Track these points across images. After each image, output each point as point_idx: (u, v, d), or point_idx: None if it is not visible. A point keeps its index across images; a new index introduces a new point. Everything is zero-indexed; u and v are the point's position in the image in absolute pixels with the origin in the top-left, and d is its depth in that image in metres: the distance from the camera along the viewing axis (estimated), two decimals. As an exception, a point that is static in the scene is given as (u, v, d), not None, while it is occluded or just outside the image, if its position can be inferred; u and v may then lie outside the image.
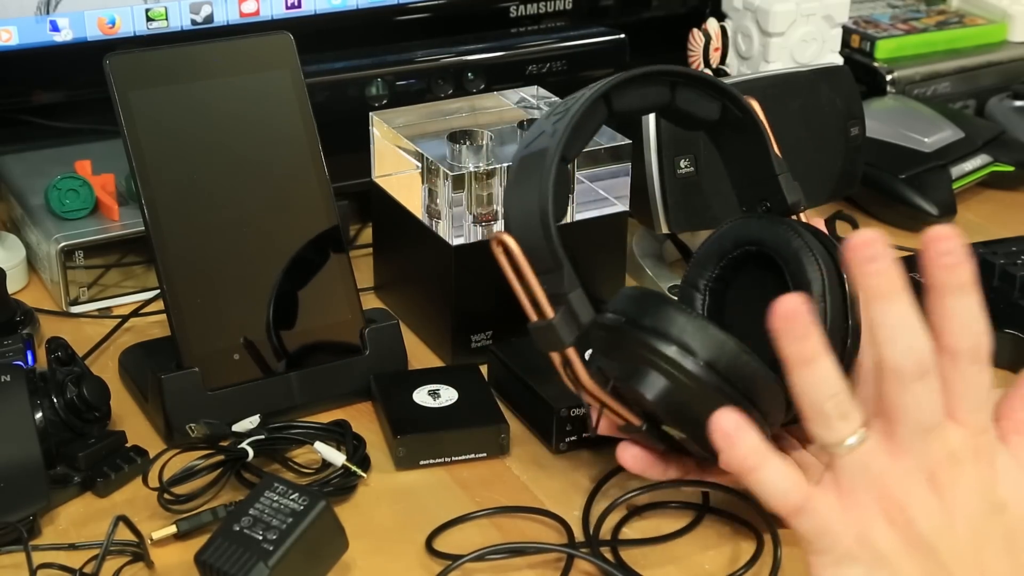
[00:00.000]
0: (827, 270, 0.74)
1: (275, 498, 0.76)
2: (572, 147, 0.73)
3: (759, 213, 0.81)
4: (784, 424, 0.76)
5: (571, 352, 0.71)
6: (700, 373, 0.70)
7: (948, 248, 0.62)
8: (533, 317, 0.71)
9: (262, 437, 0.86)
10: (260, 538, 0.74)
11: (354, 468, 0.84)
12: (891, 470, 0.64)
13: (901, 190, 1.19)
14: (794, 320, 0.62)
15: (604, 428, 0.78)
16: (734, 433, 0.64)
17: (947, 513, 0.64)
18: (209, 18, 1.14)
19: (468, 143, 0.97)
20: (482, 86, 1.15)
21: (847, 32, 1.34)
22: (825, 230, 0.81)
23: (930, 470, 0.64)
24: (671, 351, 0.70)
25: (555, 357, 0.72)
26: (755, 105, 0.80)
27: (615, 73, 0.76)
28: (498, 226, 0.95)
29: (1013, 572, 0.64)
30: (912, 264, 1.08)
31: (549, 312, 0.70)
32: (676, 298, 0.83)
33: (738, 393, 0.71)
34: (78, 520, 0.82)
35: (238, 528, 0.75)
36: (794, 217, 0.80)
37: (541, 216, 0.70)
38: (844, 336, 0.74)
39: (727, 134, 0.80)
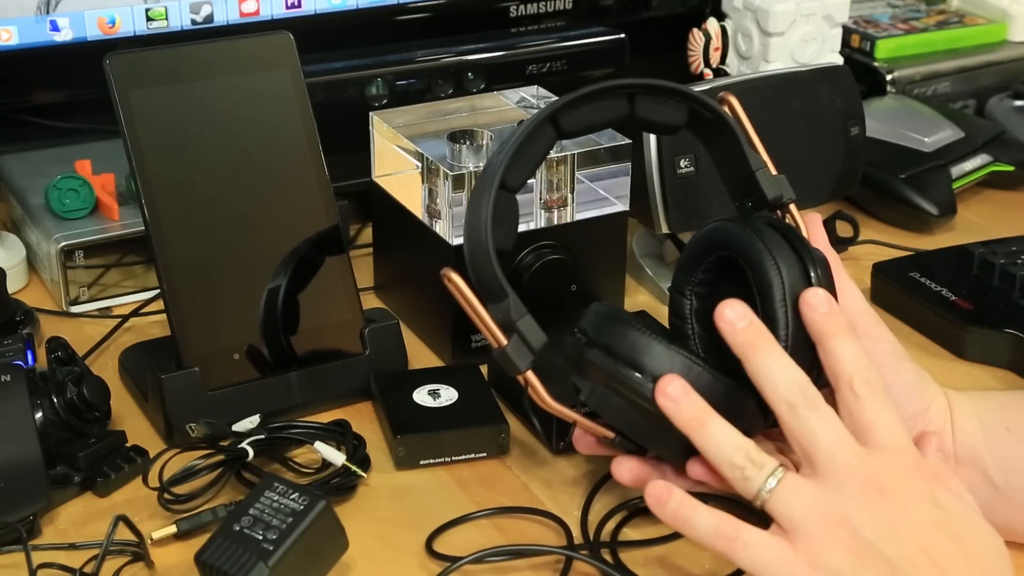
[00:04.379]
0: (787, 274, 0.72)
1: (275, 498, 0.76)
2: (515, 174, 0.73)
3: (739, 214, 0.79)
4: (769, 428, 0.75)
5: (530, 375, 0.72)
6: (647, 391, 0.70)
7: (821, 301, 0.70)
8: (494, 344, 0.72)
9: (262, 437, 0.86)
10: (260, 538, 0.74)
11: (354, 468, 0.84)
12: (822, 494, 0.67)
13: (901, 190, 1.19)
14: (675, 396, 0.69)
15: (587, 447, 0.79)
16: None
17: (887, 519, 0.66)
18: (209, 18, 1.14)
19: (468, 143, 0.97)
20: (482, 86, 1.15)
21: (847, 32, 1.34)
22: (820, 225, 0.79)
23: (861, 486, 0.67)
24: (621, 371, 0.71)
25: (520, 380, 0.73)
26: (733, 101, 0.79)
27: (614, 73, 0.75)
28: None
29: (971, 570, 0.67)
30: (912, 264, 1.09)
31: (502, 340, 0.72)
32: (667, 303, 0.82)
33: None
34: (78, 520, 0.82)
35: (238, 528, 0.75)
36: (779, 213, 0.78)
37: (483, 247, 0.71)
38: (808, 340, 0.72)
39: (703, 136, 0.79)
